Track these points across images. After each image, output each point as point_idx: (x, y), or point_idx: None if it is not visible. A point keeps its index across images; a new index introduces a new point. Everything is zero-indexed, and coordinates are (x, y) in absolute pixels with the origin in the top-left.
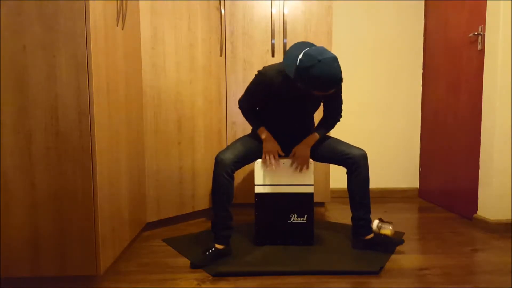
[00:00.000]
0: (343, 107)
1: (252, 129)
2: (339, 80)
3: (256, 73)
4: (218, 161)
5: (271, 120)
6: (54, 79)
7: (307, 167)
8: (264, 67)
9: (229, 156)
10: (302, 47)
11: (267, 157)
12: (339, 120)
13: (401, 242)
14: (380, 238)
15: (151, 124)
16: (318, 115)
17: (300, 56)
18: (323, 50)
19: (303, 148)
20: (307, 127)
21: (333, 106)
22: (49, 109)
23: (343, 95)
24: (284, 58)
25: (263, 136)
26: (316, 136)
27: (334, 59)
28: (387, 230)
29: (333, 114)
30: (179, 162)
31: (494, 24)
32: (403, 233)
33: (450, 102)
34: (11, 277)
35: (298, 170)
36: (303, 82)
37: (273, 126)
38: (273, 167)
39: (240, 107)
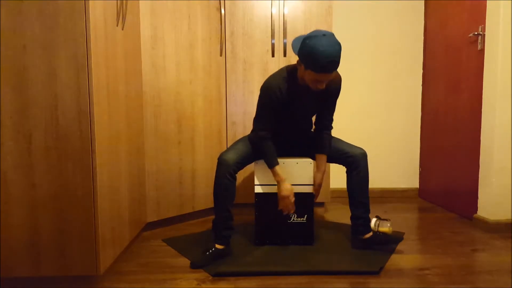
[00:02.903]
0: (343, 108)
1: (255, 138)
2: (338, 52)
3: (260, 91)
4: (220, 162)
5: (275, 126)
6: (54, 79)
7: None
8: (265, 82)
9: (231, 157)
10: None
11: (286, 201)
12: (332, 128)
13: (400, 239)
14: (378, 236)
15: (151, 124)
16: None
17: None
18: (331, 34)
19: (321, 176)
20: (306, 129)
21: (327, 111)
22: (49, 109)
23: (343, 95)
24: (293, 41)
25: (276, 178)
26: (325, 158)
27: (338, 43)
28: (385, 227)
29: (326, 124)
30: (179, 162)
31: (494, 24)
32: (403, 233)
33: (450, 102)
34: (11, 277)
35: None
36: (304, 52)
37: (275, 131)
38: (290, 209)
39: (257, 138)
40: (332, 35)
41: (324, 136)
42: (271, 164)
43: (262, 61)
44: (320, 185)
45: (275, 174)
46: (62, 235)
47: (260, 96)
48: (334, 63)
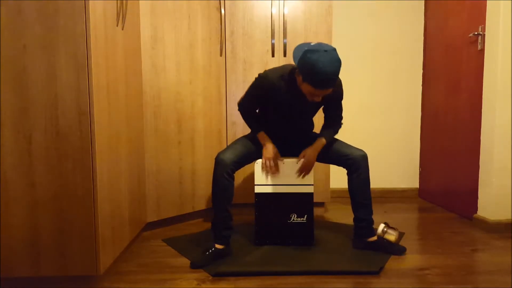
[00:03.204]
0: (343, 108)
1: (251, 131)
2: (337, 70)
3: (257, 76)
4: (218, 161)
5: (271, 123)
6: (54, 79)
7: (308, 172)
8: (265, 71)
9: (229, 156)
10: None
11: (267, 163)
12: (340, 126)
13: (403, 251)
14: (383, 243)
15: (151, 124)
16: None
17: (312, 44)
18: (333, 50)
19: (312, 153)
20: (307, 130)
21: (333, 111)
22: (49, 109)
23: (344, 95)
24: (294, 49)
25: (262, 142)
26: (323, 141)
27: (338, 60)
28: (392, 236)
29: (334, 121)
30: (179, 162)
31: (494, 24)
32: (403, 233)
33: (450, 102)
34: (11, 277)
35: (301, 175)
36: (304, 66)
37: (273, 129)
38: (272, 171)
39: (239, 109)
40: (333, 50)
41: (327, 124)
42: (255, 130)
43: (262, 61)
44: (307, 161)
45: (260, 138)
46: (62, 235)
47: (253, 82)
48: (332, 81)
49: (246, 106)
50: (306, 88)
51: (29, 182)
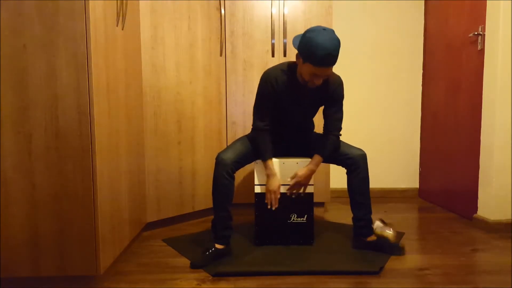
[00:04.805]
0: (343, 108)
1: (252, 130)
2: (337, 47)
3: (259, 81)
4: (218, 161)
5: (273, 122)
6: (54, 79)
7: (303, 191)
8: (264, 72)
9: (229, 156)
10: None
11: (269, 196)
12: (339, 137)
13: (400, 252)
14: (381, 241)
15: (151, 124)
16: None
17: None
18: (331, 30)
19: (305, 172)
20: (307, 129)
21: (333, 114)
22: (49, 109)
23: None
24: (294, 37)
25: (267, 171)
26: (319, 158)
27: (337, 39)
28: (388, 233)
29: (331, 129)
30: (179, 162)
31: (494, 24)
32: (403, 233)
33: (450, 102)
34: (11, 277)
35: (292, 193)
36: (304, 44)
37: (274, 128)
38: (273, 204)
39: (254, 129)
40: (332, 31)
41: (329, 138)
42: (265, 157)
43: (262, 61)
44: (299, 180)
45: (267, 167)
46: (62, 235)
47: (258, 86)
48: (332, 56)
49: (260, 118)
50: (306, 69)
51: (29, 182)
